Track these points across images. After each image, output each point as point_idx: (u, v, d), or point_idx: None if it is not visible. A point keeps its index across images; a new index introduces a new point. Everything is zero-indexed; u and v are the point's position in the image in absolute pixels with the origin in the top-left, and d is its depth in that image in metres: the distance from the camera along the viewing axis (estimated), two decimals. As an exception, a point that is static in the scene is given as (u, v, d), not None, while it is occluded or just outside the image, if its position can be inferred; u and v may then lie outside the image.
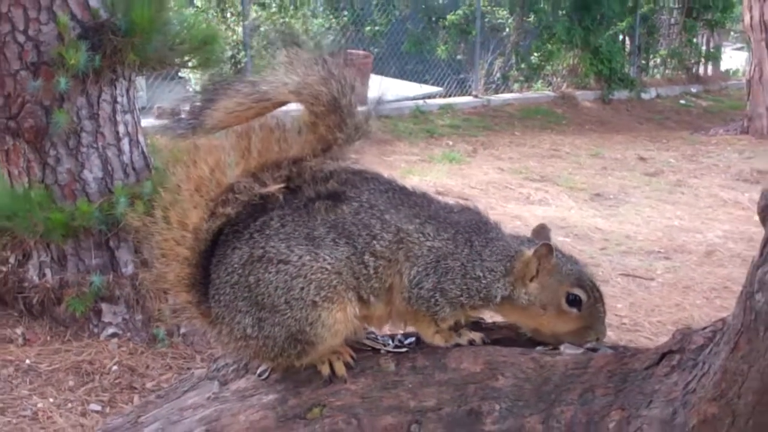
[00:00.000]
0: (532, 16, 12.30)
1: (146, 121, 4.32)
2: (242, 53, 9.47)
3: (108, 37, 3.69)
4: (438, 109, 10.49)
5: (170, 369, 3.64)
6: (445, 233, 1.63)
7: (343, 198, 1.62)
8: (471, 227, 1.66)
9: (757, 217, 1.31)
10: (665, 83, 13.74)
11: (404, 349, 1.69)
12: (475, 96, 11.33)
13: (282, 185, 1.64)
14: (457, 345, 1.66)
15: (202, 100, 1.64)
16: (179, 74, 8.70)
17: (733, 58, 16.28)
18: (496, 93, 11.70)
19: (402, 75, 11.88)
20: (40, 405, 3.30)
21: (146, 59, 3.83)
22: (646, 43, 13.66)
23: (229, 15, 9.94)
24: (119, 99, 3.91)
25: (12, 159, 3.85)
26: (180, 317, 1.75)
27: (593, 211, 6.78)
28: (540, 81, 12.25)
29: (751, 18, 10.31)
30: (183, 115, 1.65)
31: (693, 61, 14.41)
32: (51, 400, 3.36)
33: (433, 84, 11.61)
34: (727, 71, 15.34)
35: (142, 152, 4.04)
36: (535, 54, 12.21)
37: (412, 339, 1.74)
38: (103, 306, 3.81)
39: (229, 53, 9.25)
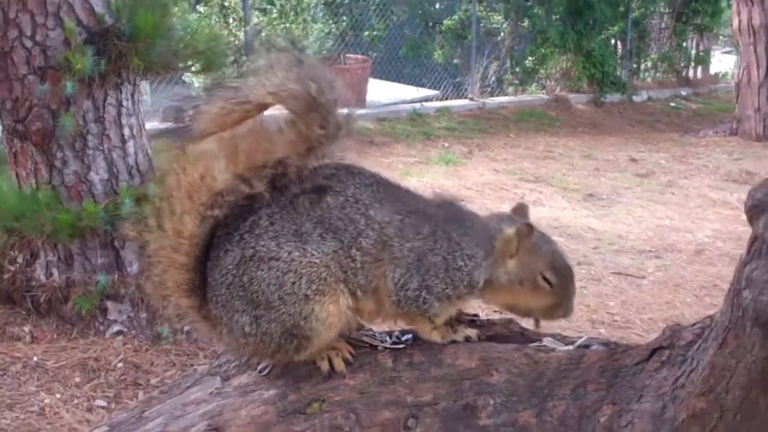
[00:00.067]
0: (527, 21, 12.30)
1: (151, 124, 4.36)
2: (244, 58, 9.53)
3: (113, 42, 3.73)
4: (435, 112, 10.50)
5: (174, 366, 3.68)
6: (424, 229, 1.66)
7: (328, 191, 1.65)
8: (449, 218, 1.70)
9: (745, 217, 1.33)
10: (656, 86, 13.75)
11: (401, 346, 1.72)
12: (471, 99, 11.32)
13: (268, 184, 1.65)
14: (454, 341, 1.68)
15: (190, 108, 1.64)
16: (183, 78, 8.75)
17: (722, 62, 16.21)
18: (492, 96, 11.70)
19: (400, 78, 11.92)
20: (47, 401, 3.34)
21: (150, 64, 3.88)
22: (637, 47, 13.71)
23: (231, 20, 9.96)
24: (124, 102, 3.96)
25: (20, 161, 3.90)
26: (183, 322, 1.77)
27: (586, 211, 6.81)
28: (534, 84, 12.28)
29: (740, 22, 10.34)
30: (174, 124, 1.65)
31: (683, 64, 14.41)
32: (58, 396, 3.39)
33: (430, 87, 11.63)
34: (716, 74, 15.30)
35: (147, 154, 4.08)
36: (530, 58, 12.23)
37: (409, 335, 1.74)
38: (109, 304, 3.85)
39: (231, 58, 9.30)
